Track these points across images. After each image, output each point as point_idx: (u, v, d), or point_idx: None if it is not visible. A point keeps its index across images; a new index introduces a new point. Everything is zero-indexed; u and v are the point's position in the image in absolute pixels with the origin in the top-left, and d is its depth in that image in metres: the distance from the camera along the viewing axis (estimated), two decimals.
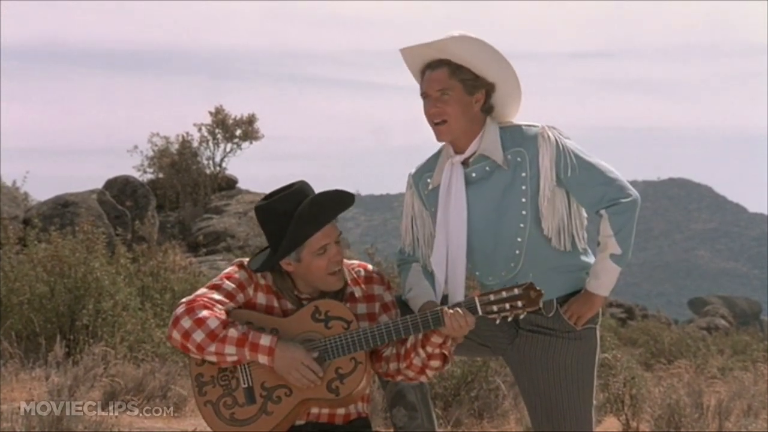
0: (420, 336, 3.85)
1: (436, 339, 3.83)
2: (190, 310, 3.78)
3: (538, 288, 3.79)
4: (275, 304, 3.92)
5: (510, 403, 8.20)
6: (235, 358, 3.77)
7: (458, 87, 4.05)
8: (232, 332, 3.75)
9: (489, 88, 4.10)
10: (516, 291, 3.79)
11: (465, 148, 4.12)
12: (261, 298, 3.92)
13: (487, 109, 4.13)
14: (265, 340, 3.76)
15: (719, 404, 7.56)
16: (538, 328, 4.13)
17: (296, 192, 3.90)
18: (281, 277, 3.93)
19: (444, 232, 4.13)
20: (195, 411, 7.07)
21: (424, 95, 4.09)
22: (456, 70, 4.04)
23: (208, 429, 3.90)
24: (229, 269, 3.95)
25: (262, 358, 3.75)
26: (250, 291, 3.90)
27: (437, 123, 4.07)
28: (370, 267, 4.09)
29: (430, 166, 4.24)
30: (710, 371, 11.37)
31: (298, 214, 3.83)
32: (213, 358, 3.78)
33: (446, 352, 3.87)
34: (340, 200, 3.93)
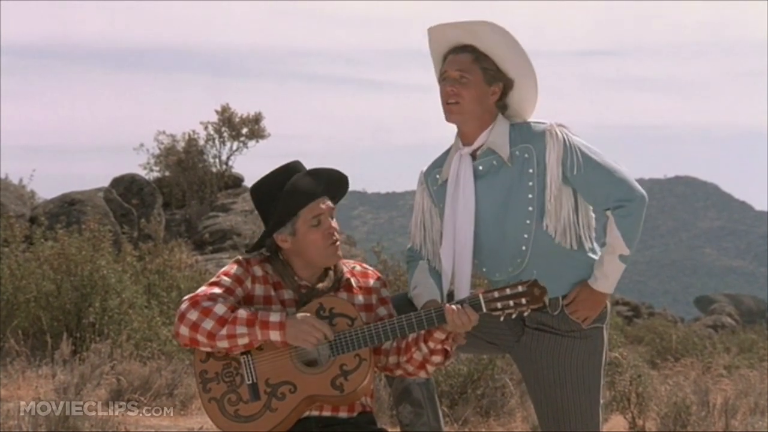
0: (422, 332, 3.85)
1: (438, 335, 3.83)
2: (195, 303, 3.79)
3: (542, 285, 3.76)
4: (272, 293, 3.92)
5: (516, 402, 8.19)
6: (246, 340, 3.76)
7: (479, 74, 4.06)
8: (241, 312, 3.76)
9: (507, 84, 4.10)
10: (520, 288, 3.76)
11: (473, 138, 4.12)
12: (258, 290, 3.92)
13: (502, 107, 4.13)
14: (274, 317, 3.76)
15: (726, 402, 7.54)
16: (544, 327, 4.12)
17: (289, 168, 3.93)
18: (282, 264, 3.93)
19: (452, 225, 4.13)
20: (201, 409, 7.05)
21: (443, 76, 4.10)
22: (480, 57, 4.06)
23: (214, 427, 3.90)
24: (226, 267, 3.96)
25: (274, 335, 3.75)
26: (248, 284, 3.91)
27: (450, 103, 4.08)
28: (365, 264, 4.11)
29: (440, 162, 4.25)
30: (716, 369, 11.34)
31: (289, 184, 3.86)
32: (225, 343, 3.77)
33: (448, 348, 3.86)
34: (332, 174, 3.95)
